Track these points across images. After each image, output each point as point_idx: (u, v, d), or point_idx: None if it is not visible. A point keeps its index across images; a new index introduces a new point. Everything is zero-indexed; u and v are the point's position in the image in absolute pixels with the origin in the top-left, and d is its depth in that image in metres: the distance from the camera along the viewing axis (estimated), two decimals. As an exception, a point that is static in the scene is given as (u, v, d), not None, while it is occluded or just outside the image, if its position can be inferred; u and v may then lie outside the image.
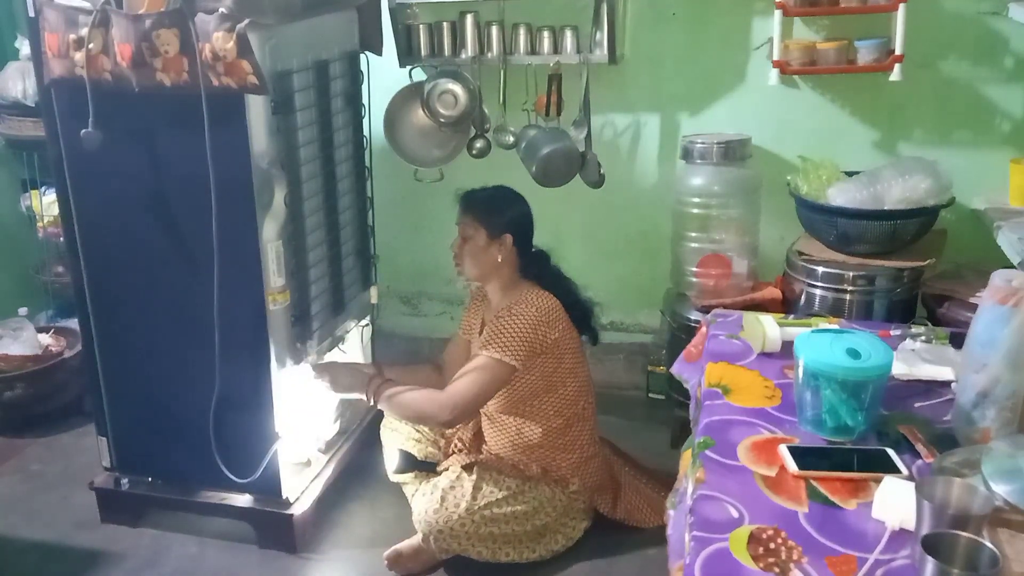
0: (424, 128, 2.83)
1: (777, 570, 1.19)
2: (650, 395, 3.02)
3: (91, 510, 2.43)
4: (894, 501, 1.27)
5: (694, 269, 2.64)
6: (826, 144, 2.64)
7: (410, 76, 2.81)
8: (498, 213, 2.22)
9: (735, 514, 1.31)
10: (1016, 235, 2.12)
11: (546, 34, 2.67)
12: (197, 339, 2.12)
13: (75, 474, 2.62)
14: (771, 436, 1.53)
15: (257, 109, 1.95)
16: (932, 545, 1.11)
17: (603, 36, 2.60)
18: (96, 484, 2.42)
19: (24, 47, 2.94)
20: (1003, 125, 2.57)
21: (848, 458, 1.43)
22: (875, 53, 2.44)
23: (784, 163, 2.70)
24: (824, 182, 2.43)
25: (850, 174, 2.47)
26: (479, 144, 2.80)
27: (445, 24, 2.72)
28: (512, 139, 2.79)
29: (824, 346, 1.51)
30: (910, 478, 1.36)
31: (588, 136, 2.69)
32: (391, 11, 2.67)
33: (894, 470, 1.39)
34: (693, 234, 2.65)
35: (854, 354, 1.48)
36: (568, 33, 2.64)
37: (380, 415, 2.53)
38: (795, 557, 1.21)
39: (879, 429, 1.53)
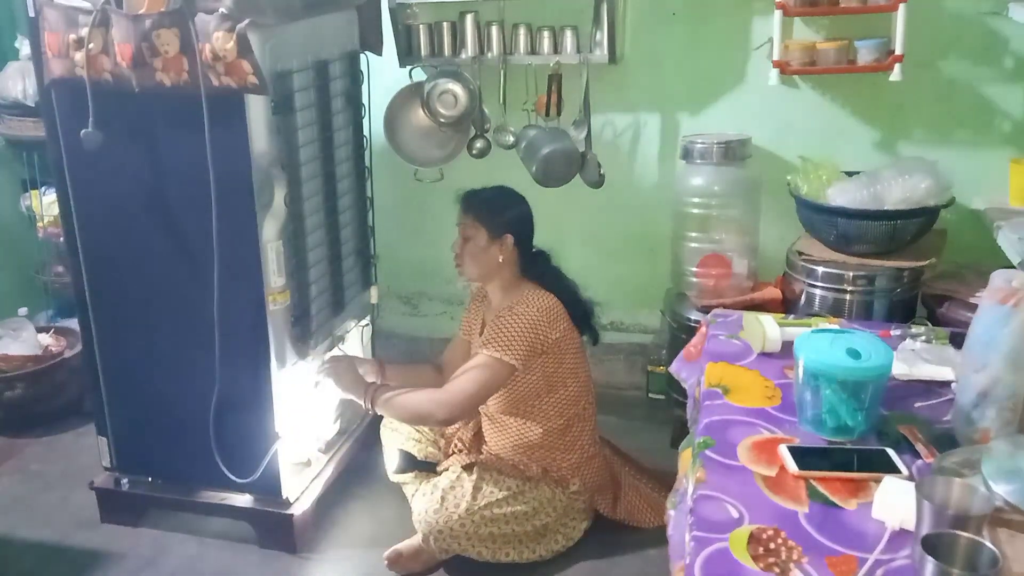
0: (424, 128, 2.83)
1: (777, 570, 1.19)
2: (650, 395, 3.02)
3: (91, 510, 2.43)
4: (894, 501, 1.27)
5: (694, 269, 2.64)
6: (826, 144, 2.64)
7: (410, 76, 2.81)
8: (499, 213, 2.22)
9: (735, 514, 1.32)
10: (1016, 235, 2.12)
11: (546, 34, 2.67)
12: (197, 339, 2.12)
13: (75, 474, 2.62)
14: (771, 436, 1.53)
15: (257, 109, 1.95)
16: (932, 545, 1.11)
17: (603, 36, 2.60)
18: (96, 484, 2.42)
19: (24, 47, 2.94)
20: (1003, 125, 2.57)
21: (848, 458, 1.43)
22: (875, 53, 2.44)
23: (784, 163, 2.70)
24: (824, 182, 2.43)
25: (850, 174, 2.47)
26: (479, 144, 2.80)
27: (445, 24, 2.72)
28: (512, 139, 2.79)
29: (824, 346, 1.51)
30: (910, 478, 1.36)
31: (588, 136, 2.69)
32: (391, 11, 2.67)
33: (894, 470, 1.39)
34: (693, 234, 2.65)
35: (854, 354, 1.48)
36: (568, 33, 2.64)
37: (380, 415, 2.53)
38: (795, 557, 1.22)
39: (879, 429, 1.53)
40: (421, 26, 2.74)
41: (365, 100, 2.50)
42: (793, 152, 2.66)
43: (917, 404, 1.64)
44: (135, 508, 2.42)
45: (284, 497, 2.28)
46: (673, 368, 2.05)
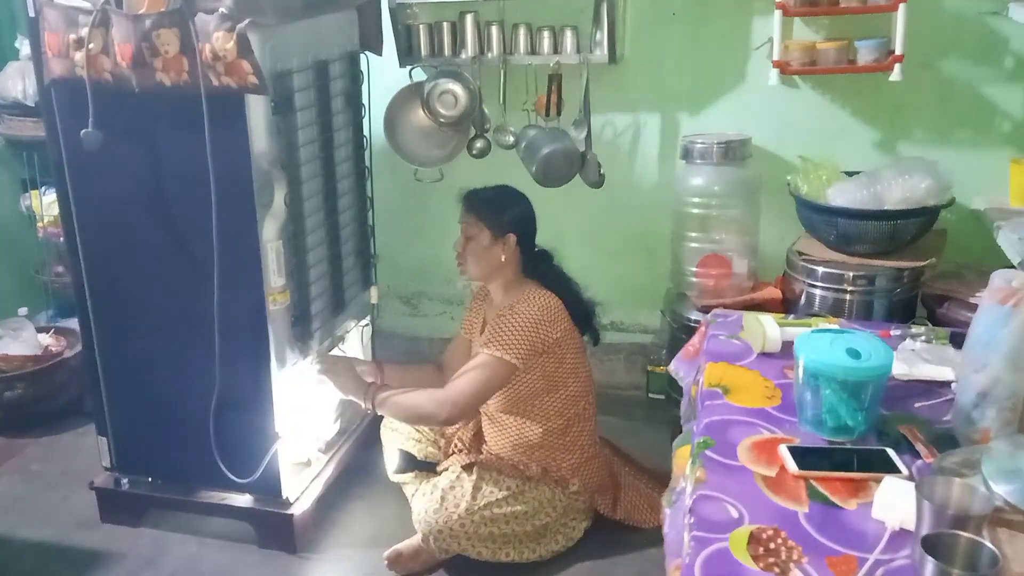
0: (424, 128, 2.83)
1: (777, 570, 1.19)
2: (650, 395, 3.02)
3: (91, 510, 2.43)
4: (894, 501, 1.27)
5: (694, 269, 2.64)
6: (826, 144, 2.64)
7: (410, 76, 2.81)
8: (501, 213, 2.22)
9: (735, 514, 1.31)
10: (1016, 235, 2.12)
11: (546, 34, 2.67)
12: (197, 339, 2.12)
13: (75, 474, 2.62)
14: (771, 436, 1.53)
15: (257, 109, 1.95)
16: (932, 545, 1.11)
17: (603, 36, 2.60)
18: (96, 484, 2.42)
19: (24, 47, 2.94)
20: (1003, 125, 2.57)
21: (848, 458, 1.43)
22: (875, 53, 2.44)
23: (784, 163, 2.70)
24: (824, 182, 2.43)
25: (850, 174, 2.47)
26: (479, 144, 2.80)
27: (445, 24, 2.72)
28: (512, 139, 2.79)
29: (824, 346, 1.51)
30: (910, 478, 1.36)
31: (588, 136, 2.69)
32: (391, 11, 2.67)
33: (894, 470, 1.39)
34: (693, 234, 2.65)
35: (854, 354, 1.48)
36: (568, 33, 2.64)
37: (380, 415, 2.53)
38: (795, 557, 1.21)
39: (879, 429, 1.53)
40: (421, 26, 2.74)
41: (365, 100, 2.50)
42: (793, 152, 2.66)
43: (917, 404, 1.64)
44: (135, 508, 2.42)
45: (284, 497, 2.28)
46: (672, 366, 2.05)
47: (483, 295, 2.41)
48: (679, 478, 1.58)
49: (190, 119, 1.92)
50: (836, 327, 1.73)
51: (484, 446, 2.37)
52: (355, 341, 2.63)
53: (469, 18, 2.68)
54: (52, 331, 3.10)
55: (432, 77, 2.73)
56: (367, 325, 2.71)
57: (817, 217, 2.46)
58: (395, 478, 2.44)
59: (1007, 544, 1.19)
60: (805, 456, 1.43)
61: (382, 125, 2.79)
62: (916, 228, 2.39)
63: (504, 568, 2.17)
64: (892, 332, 1.94)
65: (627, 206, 2.90)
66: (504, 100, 2.73)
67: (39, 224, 3.13)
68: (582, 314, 2.29)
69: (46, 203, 3.08)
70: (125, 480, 2.41)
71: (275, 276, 2.08)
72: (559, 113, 2.70)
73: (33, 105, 2.87)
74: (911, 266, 2.37)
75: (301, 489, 2.35)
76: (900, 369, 1.71)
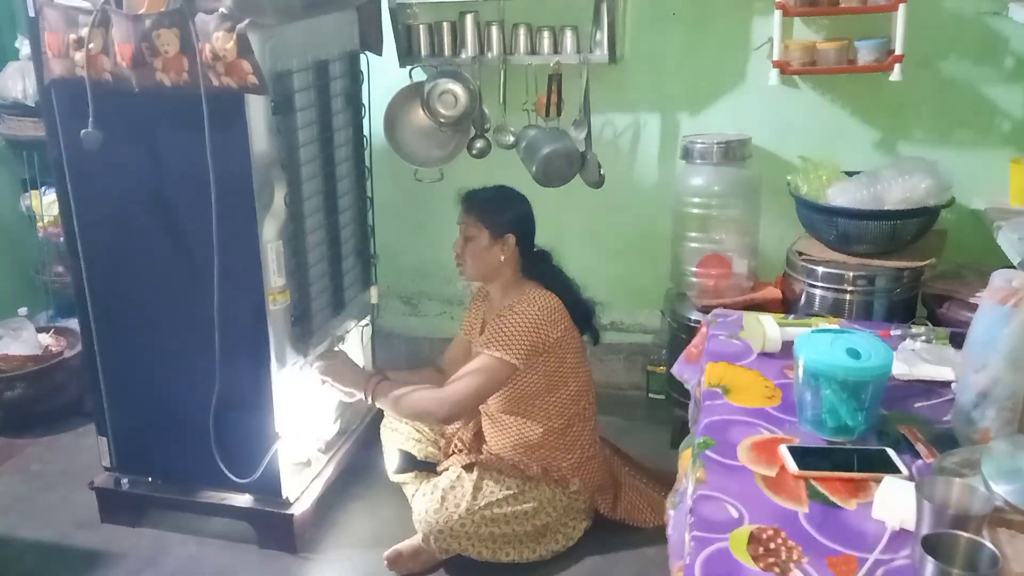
0: (424, 128, 2.83)
1: (777, 570, 1.19)
2: (650, 395, 3.02)
3: (91, 510, 2.43)
4: (894, 501, 1.27)
5: (694, 269, 2.64)
6: (826, 144, 2.64)
7: (410, 76, 2.81)
8: (501, 213, 2.22)
9: (735, 514, 1.31)
10: (1016, 235, 2.12)
11: (546, 34, 2.67)
12: (197, 339, 2.12)
13: (75, 474, 2.62)
14: (771, 436, 1.53)
15: (257, 109, 1.95)
16: (932, 545, 1.11)
17: (603, 36, 2.60)
18: (96, 484, 2.42)
19: (24, 47, 2.94)
20: (1003, 125, 2.57)
21: (848, 458, 1.43)
22: (875, 53, 2.44)
23: (784, 163, 2.70)
24: (824, 182, 2.43)
25: (850, 174, 2.47)
26: (479, 144, 2.80)
27: (445, 24, 2.72)
28: (512, 139, 2.79)
29: (824, 346, 1.51)
30: (910, 478, 1.36)
31: (588, 136, 2.69)
32: (391, 11, 2.67)
33: (894, 470, 1.39)
34: (693, 234, 2.65)
35: (854, 354, 1.48)
36: (568, 33, 2.64)
37: (380, 415, 2.54)
38: (795, 557, 1.21)
39: (879, 429, 1.53)
40: (421, 26, 2.74)
41: (365, 100, 2.50)
42: (793, 152, 2.66)
43: (917, 404, 1.64)
44: (135, 508, 2.42)
45: (284, 497, 2.28)
46: (675, 370, 2.05)
47: (483, 295, 2.41)
48: (683, 479, 1.58)
49: (190, 119, 1.92)
50: (836, 327, 1.73)
51: (484, 446, 2.37)
52: (355, 341, 2.63)
53: (469, 18, 2.68)
54: (52, 331, 3.10)
55: (432, 77, 2.73)
56: (367, 325, 2.71)
57: (817, 217, 2.46)
58: (395, 478, 2.44)
59: (1007, 544, 1.19)
60: (805, 456, 1.43)
61: (382, 125, 2.79)
62: (916, 228, 2.39)
63: (504, 568, 2.17)
64: (892, 332, 1.94)
65: (627, 206, 2.90)
66: (504, 100, 2.73)
67: (39, 224, 3.13)
68: (582, 314, 2.29)
69: (46, 203, 3.08)
70: (125, 480, 2.41)
71: (275, 276, 2.08)
72: (559, 113, 2.70)
73: (33, 105, 2.87)
74: (911, 266, 2.37)
75: (301, 489, 2.35)
76: (900, 369, 1.71)
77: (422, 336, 3.23)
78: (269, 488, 2.26)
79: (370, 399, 2.21)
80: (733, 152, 2.58)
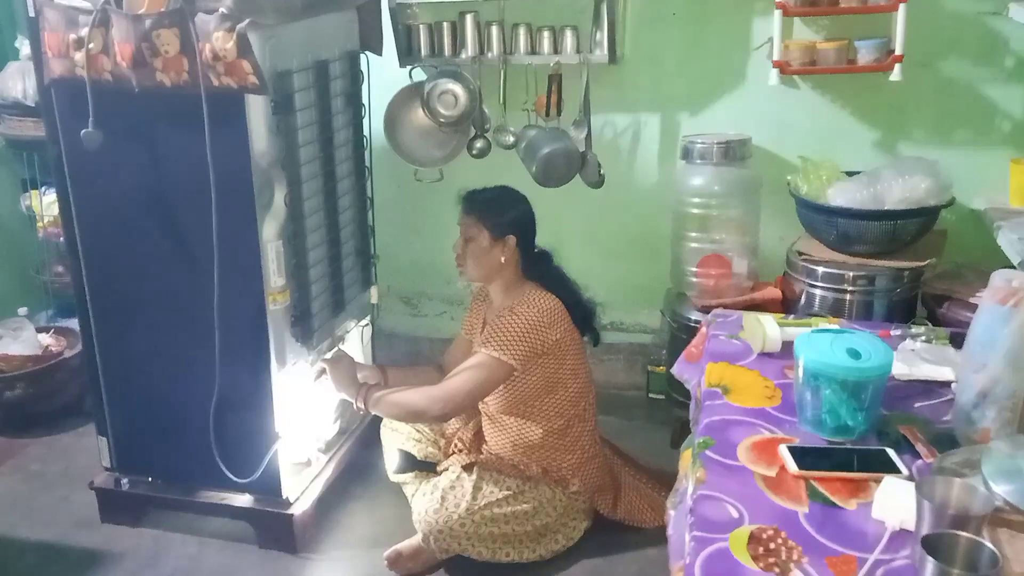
0: (424, 128, 2.83)
1: (777, 570, 1.19)
2: (650, 395, 3.02)
3: (91, 510, 2.43)
4: (894, 501, 1.27)
5: (694, 269, 2.64)
6: (826, 144, 2.64)
7: (410, 76, 2.81)
8: (501, 214, 2.21)
9: (735, 514, 1.31)
10: (1016, 235, 2.12)
11: (546, 34, 2.67)
12: (197, 339, 2.12)
13: (75, 474, 2.62)
14: (771, 436, 1.53)
15: (257, 109, 1.95)
16: (932, 545, 1.11)
17: (603, 36, 2.61)
18: (96, 484, 2.42)
19: (24, 47, 2.94)
20: (1003, 125, 2.57)
21: (848, 458, 1.43)
22: (875, 53, 2.44)
23: (784, 163, 2.70)
24: (824, 182, 2.43)
25: (850, 174, 2.47)
26: (479, 144, 2.80)
27: (445, 24, 2.72)
28: (512, 139, 2.79)
29: (824, 346, 1.51)
30: (910, 478, 1.36)
31: (588, 136, 2.69)
32: (391, 11, 2.67)
33: (894, 470, 1.39)
34: (693, 234, 2.65)
35: (854, 354, 1.48)
36: (568, 33, 2.64)
37: (376, 415, 2.53)
38: (795, 557, 1.22)
39: (879, 429, 1.53)
40: (421, 26, 2.74)
41: (365, 100, 2.50)
42: (793, 152, 2.66)
43: (917, 404, 1.64)
44: (135, 508, 2.42)
45: (284, 497, 2.28)
46: (675, 370, 2.05)
47: (483, 296, 2.41)
48: (683, 479, 1.58)
49: (190, 119, 1.92)
50: (836, 327, 1.73)
51: (484, 446, 2.37)
52: (355, 341, 2.63)
53: (469, 18, 2.68)
54: (52, 331, 3.10)
55: (432, 77, 2.73)
56: (367, 325, 2.71)
57: (817, 217, 2.46)
58: (395, 478, 2.44)
59: (1007, 544, 1.19)
60: (805, 456, 1.43)
61: (382, 125, 2.79)
62: (916, 228, 2.39)
63: (504, 568, 2.17)
64: (892, 332, 1.94)
65: (627, 206, 2.90)
66: (504, 100, 2.73)
67: (39, 224, 3.13)
68: (582, 315, 2.29)
69: (46, 203, 3.08)
70: (125, 480, 2.41)
71: (275, 276, 2.08)
72: (559, 113, 2.70)
73: (33, 105, 2.87)
74: (911, 266, 2.37)
75: (301, 489, 2.35)
76: (900, 369, 1.71)
77: (422, 336, 3.23)
78: (269, 488, 2.26)
79: (363, 406, 2.20)
80: (733, 152, 2.58)
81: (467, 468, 2.24)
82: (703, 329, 2.03)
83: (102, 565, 2.29)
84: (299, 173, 2.12)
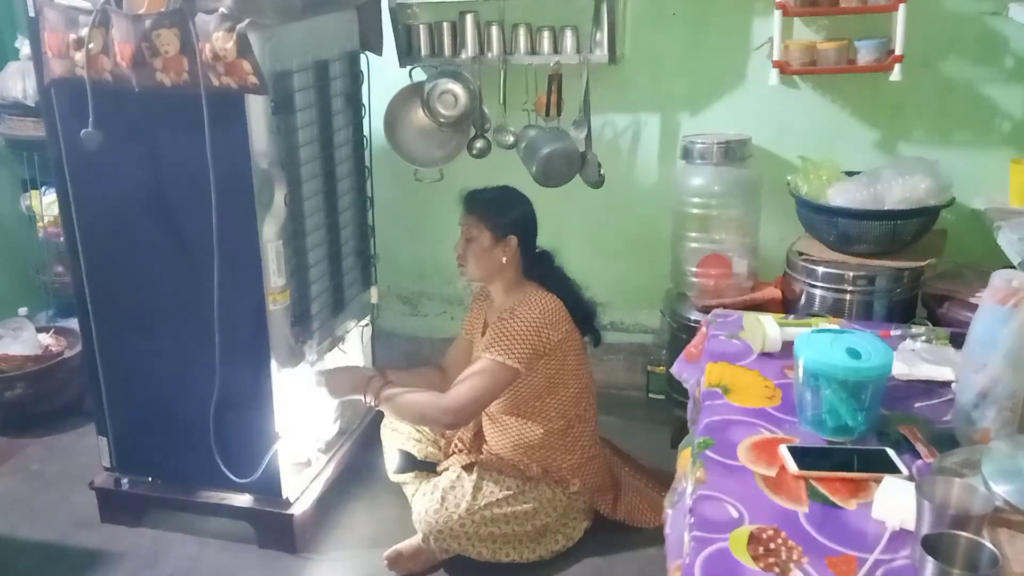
0: (424, 128, 2.83)
1: (777, 570, 1.19)
2: (650, 395, 3.02)
3: (91, 510, 2.43)
4: (894, 501, 1.27)
5: (694, 269, 2.64)
6: (826, 144, 2.64)
7: (410, 76, 2.81)
8: (503, 214, 2.21)
9: (735, 514, 1.31)
10: (1016, 235, 2.12)
11: (546, 34, 2.67)
12: (197, 339, 2.12)
13: (75, 474, 2.62)
14: (771, 436, 1.53)
15: (257, 109, 1.95)
16: (932, 545, 1.11)
17: (603, 36, 2.60)
18: (96, 484, 2.42)
19: (24, 47, 2.94)
20: (1003, 125, 2.57)
21: (848, 458, 1.43)
22: (875, 53, 2.44)
23: (784, 163, 2.70)
24: (824, 182, 2.43)
25: (850, 174, 2.47)
26: (479, 144, 2.80)
27: (445, 24, 2.72)
28: (512, 139, 2.79)
29: (824, 346, 1.51)
30: (910, 478, 1.36)
31: (588, 136, 2.69)
32: (391, 11, 2.67)
33: (894, 470, 1.39)
34: (693, 234, 2.65)
35: (854, 354, 1.48)
36: (568, 33, 2.64)
37: (380, 415, 2.53)
38: (795, 557, 1.22)
39: (879, 429, 1.53)
40: (421, 26, 2.74)
41: (365, 100, 2.50)
42: (793, 152, 2.66)
43: (917, 404, 1.64)
44: (135, 508, 2.42)
45: (284, 497, 2.28)
46: (674, 369, 2.05)
47: (483, 295, 2.41)
48: (682, 479, 1.58)
49: (190, 119, 1.92)
50: (836, 327, 1.73)
51: (484, 446, 2.37)
52: (355, 341, 2.63)
53: (469, 18, 2.68)
54: (52, 331, 3.10)
55: (432, 77, 2.73)
56: (367, 325, 2.71)
57: (817, 217, 2.46)
58: (395, 478, 2.44)
59: (1007, 544, 1.19)
60: (805, 456, 1.43)
61: (382, 125, 2.79)
62: (916, 228, 2.39)
63: (504, 568, 2.17)
64: (892, 332, 1.94)
65: (627, 206, 2.90)
66: (504, 100, 2.73)
67: (39, 224, 3.13)
68: (583, 315, 2.29)
69: (46, 203, 3.07)
70: (125, 480, 2.41)
71: (275, 276, 2.08)
72: (559, 113, 2.70)
73: (33, 105, 2.87)
74: (911, 266, 2.37)
75: (301, 489, 2.35)
76: (900, 369, 1.71)
77: (422, 336, 3.23)
78: (269, 488, 2.26)
79: (371, 401, 2.20)
80: (733, 152, 2.58)
81: (467, 468, 2.24)
82: (703, 329, 2.03)
83: (102, 565, 2.29)
84: (299, 173, 2.12)
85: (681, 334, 2.60)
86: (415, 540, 2.21)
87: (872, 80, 2.53)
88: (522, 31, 2.68)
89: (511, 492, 2.18)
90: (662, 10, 2.70)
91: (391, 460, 2.42)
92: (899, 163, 2.46)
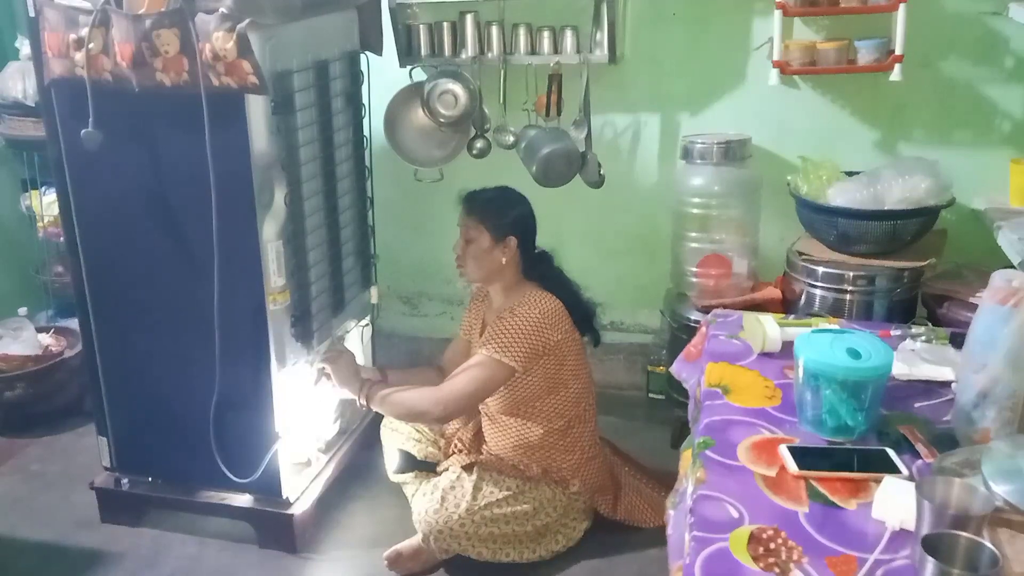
0: (424, 128, 2.83)
1: (777, 570, 1.19)
2: (650, 395, 3.02)
3: (91, 510, 2.43)
4: (894, 501, 1.27)
5: (694, 269, 2.64)
6: (826, 144, 2.64)
7: (410, 76, 2.81)
8: (502, 215, 2.21)
9: (735, 514, 1.31)
10: (1016, 235, 2.12)
11: (546, 34, 2.67)
12: (197, 339, 2.12)
13: (75, 474, 2.62)
14: (771, 436, 1.53)
15: (257, 109, 1.95)
16: (932, 545, 1.11)
17: (603, 36, 2.61)
18: (96, 484, 2.43)
19: (24, 47, 2.94)
20: (1003, 125, 2.57)
21: (848, 458, 1.43)
22: (875, 53, 2.44)
23: (784, 163, 2.70)
24: (824, 182, 2.43)
25: (850, 174, 2.47)
26: (479, 144, 2.80)
27: (445, 24, 2.72)
28: (512, 139, 2.79)
29: (824, 346, 1.51)
30: (910, 478, 1.36)
31: (588, 136, 2.69)
32: (391, 11, 2.67)
33: (894, 470, 1.39)
34: (693, 234, 2.65)
35: (854, 354, 1.48)
36: (568, 33, 2.64)
37: (380, 415, 2.53)
38: (795, 557, 1.21)
39: (879, 429, 1.53)
40: (421, 26, 2.74)
41: (365, 100, 2.50)
42: (793, 152, 2.66)
43: (917, 404, 1.64)
44: (135, 508, 2.42)
45: (284, 497, 2.28)
46: (674, 369, 2.05)
47: (482, 296, 2.41)
48: (683, 479, 1.58)
49: (190, 119, 1.92)
50: (836, 327, 1.73)
51: (484, 446, 2.36)
52: (355, 341, 2.63)
53: (469, 18, 2.68)
54: (52, 331, 3.10)
55: (432, 77, 2.73)
56: (367, 325, 2.71)
57: (817, 217, 2.46)
58: (395, 478, 2.44)
59: (1007, 544, 1.19)
60: (805, 456, 1.43)
61: (382, 125, 2.79)
62: (916, 228, 2.39)
63: (504, 568, 2.17)
64: (892, 332, 1.94)
65: (627, 206, 2.90)
66: (504, 100, 2.73)
67: (39, 224, 3.13)
68: (583, 316, 2.29)
69: (46, 203, 3.08)
70: (125, 480, 2.41)
71: (275, 276, 2.08)
72: (559, 113, 2.70)
73: (33, 105, 2.87)
74: (911, 266, 2.37)
75: (301, 489, 2.35)
76: (900, 369, 1.71)
77: (422, 336, 3.23)
78: (269, 488, 2.26)
79: (364, 402, 2.20)
80: (733, 152, 2.58)
81: (467, 468, 2.24)
82: (703, 329, 2.03)
83: (102, 565, 2.29)
84: (299, 173, 2.12)
85: (681, 334, 2.60)
86: (415, 540, 2.21)
87: (872, 80, 2.53)
88: (522, 31, 2.68)
89: (511, 492, 2.19)
90: (662, 10, 2.70)
91: (391, 460, 2.42)
92: (899, 163, 2.46)
